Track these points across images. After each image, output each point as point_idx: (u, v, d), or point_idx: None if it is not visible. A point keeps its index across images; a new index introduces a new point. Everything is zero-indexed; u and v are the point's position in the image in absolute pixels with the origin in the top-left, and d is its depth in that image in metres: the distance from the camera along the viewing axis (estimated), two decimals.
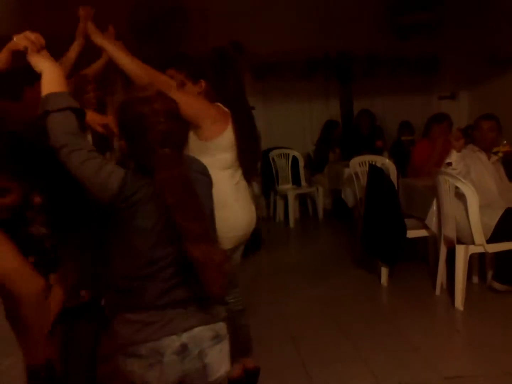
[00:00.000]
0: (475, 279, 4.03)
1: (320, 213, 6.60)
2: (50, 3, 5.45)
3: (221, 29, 6.27)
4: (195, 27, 6.39)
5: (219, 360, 1.58)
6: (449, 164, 3.58)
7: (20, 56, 1.63)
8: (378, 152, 5.98)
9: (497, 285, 3.75)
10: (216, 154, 2.27)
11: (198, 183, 1.57)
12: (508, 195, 3.81)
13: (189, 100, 2.20)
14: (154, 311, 1.50)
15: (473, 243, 3.52)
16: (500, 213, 3.58)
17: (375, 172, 4.27)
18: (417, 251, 4.59)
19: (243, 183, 2.45)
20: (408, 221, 4.01)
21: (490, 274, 3.94)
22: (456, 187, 3.52)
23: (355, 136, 6.74)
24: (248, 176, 2.48)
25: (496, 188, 3.80)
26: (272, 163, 6.67)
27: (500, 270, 3.76)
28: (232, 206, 2.33)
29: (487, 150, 3.89)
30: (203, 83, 2.39)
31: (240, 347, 2.55)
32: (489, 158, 3.90)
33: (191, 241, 1.43)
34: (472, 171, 3.70)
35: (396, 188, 4.32)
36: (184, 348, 1.51)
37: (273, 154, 6.71)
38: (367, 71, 7.23)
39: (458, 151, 3.60)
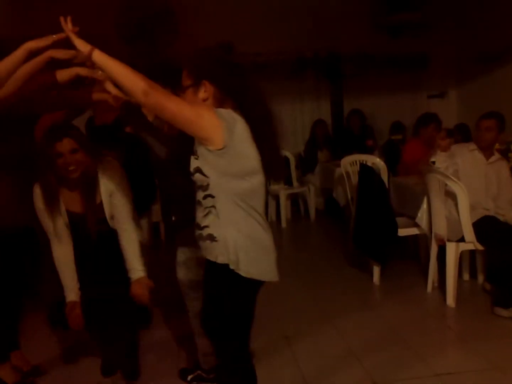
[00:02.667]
0: (466, 276, 4.07)
1: (312, 213, 6.62)
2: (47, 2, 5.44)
3: (210, 29, 6.27)
4: (184, 28, 6.39)
5: None
6: (433, 163, 3.61)
7: None
8: (369, 151, 6.02)
9: (489, 286, 3.79)
10: None
11: None
12: (500, 198, 3.76)
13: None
14: None
15: (463, 240, 3.56)
16: (479, 217, 3.62)
17: (365, 171, 4.29)
18: (408, 249, 4.62)
19: None
20: (399, 220, 4.05)
21: (481, 274, 3.98)
22: (446, 185, 3.55)
23: (346, 136, 6.79)
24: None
25: (484, 190, 3.75)
26: None
27: (492, 272, 3.80)
28: None
29: (485, 149, 3.77)
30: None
31: None
32: (487, 158, 3.78)
33: None
34: (460, 170, 3.71)
35: (387, 187, 4.35)
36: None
37: None
38: (357, 70, 7.27)
39: (443, 150, 3.61)
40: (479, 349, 2.99)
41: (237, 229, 1.86)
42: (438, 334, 3.32)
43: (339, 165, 5.37)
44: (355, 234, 4.36)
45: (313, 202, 6.62)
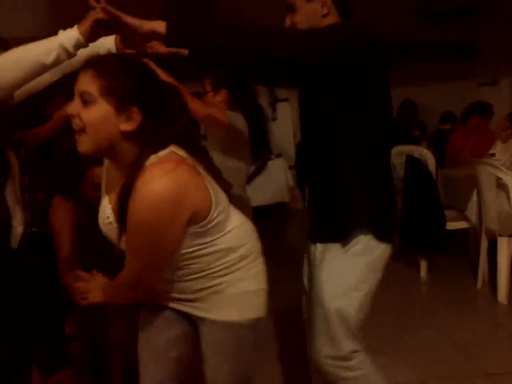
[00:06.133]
0: None
1: None
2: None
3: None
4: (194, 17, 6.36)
5: None
6: (493, 155, 3.46)
7: None
8: (416, 142, 5.85)
9: None
10: None
11: None
12: None
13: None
14: None
15: None
16: None
17: (412, 163, 4.19)
18: (457, 243, 4.50)
19: None
20: (447, 213, 3.93)
21: None
22: (498, 178, 3.41)
23: (396, 127, 6.61)
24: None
25: None
26: None
27: None
28: None
29: None
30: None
31: None
32: None
33: None
34: None
35: (435, 178, 4.24)
36: None
37: None
38: (403, 59, 7.07)
39: (504, 142, 3.45)
40: None
41: None
42: (489, 332, 3.22)
43: None
44: (402, 227, 4.26)
45: None
